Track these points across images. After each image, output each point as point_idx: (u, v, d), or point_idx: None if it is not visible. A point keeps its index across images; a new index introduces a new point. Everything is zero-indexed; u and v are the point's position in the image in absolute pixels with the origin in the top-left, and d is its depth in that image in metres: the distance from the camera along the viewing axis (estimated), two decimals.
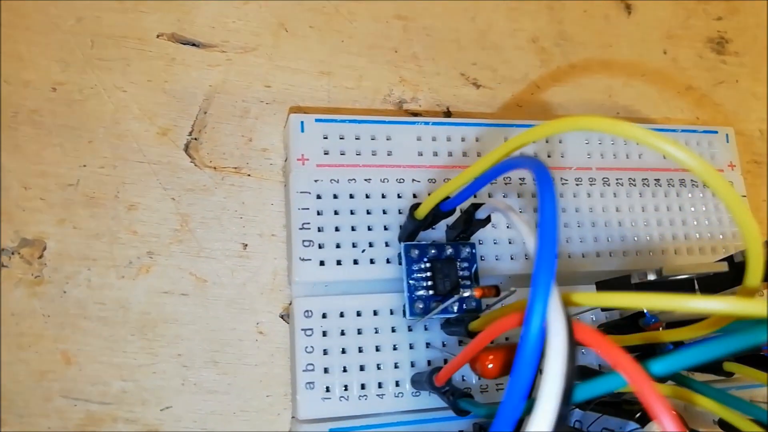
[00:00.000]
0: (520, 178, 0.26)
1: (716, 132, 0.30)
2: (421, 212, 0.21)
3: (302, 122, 0.24)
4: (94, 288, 0.23)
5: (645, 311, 0.21)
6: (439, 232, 0.24)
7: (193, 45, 0.26)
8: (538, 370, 0.13)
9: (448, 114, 0.29)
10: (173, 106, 0.25)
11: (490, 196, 0.26)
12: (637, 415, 0.20)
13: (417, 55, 0.29)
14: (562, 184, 0.27)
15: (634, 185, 0.27)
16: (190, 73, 0.26)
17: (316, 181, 0.24)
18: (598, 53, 0.32)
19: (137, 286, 0.23)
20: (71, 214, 0.23)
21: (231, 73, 0.26)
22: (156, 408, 0.22)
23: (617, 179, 0.27)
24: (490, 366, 0.18)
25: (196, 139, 0.25)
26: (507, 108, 0.29)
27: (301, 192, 0.23)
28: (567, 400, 0.12)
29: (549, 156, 0.27)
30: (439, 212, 0.21)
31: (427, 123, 0.25)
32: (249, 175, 0.25)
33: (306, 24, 0.28)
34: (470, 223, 0.22)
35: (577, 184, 0.27)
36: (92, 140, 0.24)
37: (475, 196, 0.25)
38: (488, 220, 0.22)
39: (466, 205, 0.22)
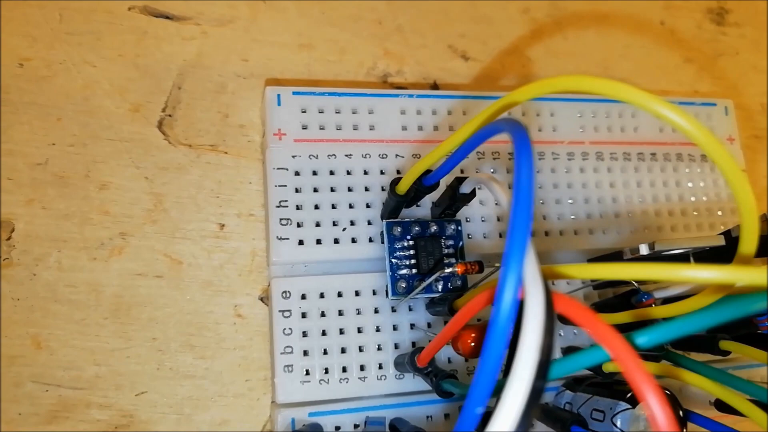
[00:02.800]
0: (509, 153, 0.25)
1: (714, 105, 0.29)
2: (403, 187, 0.21)
3: (279, 95, 0.23)
4: (65, 270, 0.22)
5: (638, 288, 0.21)
6: (424, 209, 0.24)
7: (167, 17, 0.25)
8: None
9: (435, 88, 0.28)
10: (146, 82, 0.25)
11: (477, 172, 0.25)
12: (628, 395, 0.19)
13: (402, 27, 0.28)
14: (554, 159, 0.26)
15: (629, 160, 0.27)
16: (163, 47, 0.25)
17: (294, 156, 0.23)
18: (592, 24, 0.31)
19: (109, 268, 0.23)
20: (40, 195, 0.23)
21: (206, 47, 0.26)
22: (131, 393, 0.22)
23: (611, 154, 0.27)
24: (472, 344, 0.17)
25: (170, 115, 0.24)
26: (497, 81, 0.29)
27: (278, 168, 0.23)
28: (543, 374, 0.11)
29: (540, 130, 0.26)
30: (421, 187, 0.21)
31: (411, 95, 0.25)
32: (226, 152, 0.25)
33: None
34: (455, 198, 0.21)
35: (569, 159, 0.26)
36: (61, 117, 0.23)
37: (462, 172, 0.24)
38: (473, 194, 0.21)
39: (451, 179, 0.21)
